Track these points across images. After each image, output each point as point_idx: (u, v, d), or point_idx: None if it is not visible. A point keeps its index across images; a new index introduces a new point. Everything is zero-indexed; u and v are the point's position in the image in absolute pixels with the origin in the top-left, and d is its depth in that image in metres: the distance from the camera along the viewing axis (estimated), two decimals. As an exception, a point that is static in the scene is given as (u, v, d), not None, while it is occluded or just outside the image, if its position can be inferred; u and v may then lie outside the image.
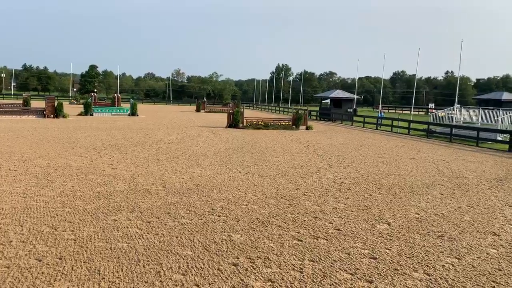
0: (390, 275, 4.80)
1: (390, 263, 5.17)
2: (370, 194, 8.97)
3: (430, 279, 4.76)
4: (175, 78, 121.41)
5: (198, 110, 50.20)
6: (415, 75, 51.46)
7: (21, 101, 42.24)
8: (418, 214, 7.52)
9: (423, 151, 17.48)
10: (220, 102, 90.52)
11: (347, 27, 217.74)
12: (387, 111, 66.54)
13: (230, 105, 49.28)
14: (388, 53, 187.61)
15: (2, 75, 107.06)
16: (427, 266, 5.13)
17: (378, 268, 4.98)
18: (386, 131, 28.95)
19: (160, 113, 41.86)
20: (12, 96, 79.05)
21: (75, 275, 4.47)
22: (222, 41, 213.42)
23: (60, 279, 4.36)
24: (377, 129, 30.15)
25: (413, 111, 48.70)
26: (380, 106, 52.51)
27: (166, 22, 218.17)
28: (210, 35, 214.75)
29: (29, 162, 11.20)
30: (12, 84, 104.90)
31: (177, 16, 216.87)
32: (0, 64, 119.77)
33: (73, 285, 4.24)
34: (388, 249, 5.64)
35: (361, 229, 6.50)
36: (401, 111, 70.80)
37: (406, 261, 5.26)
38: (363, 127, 31.50)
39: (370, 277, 4.73)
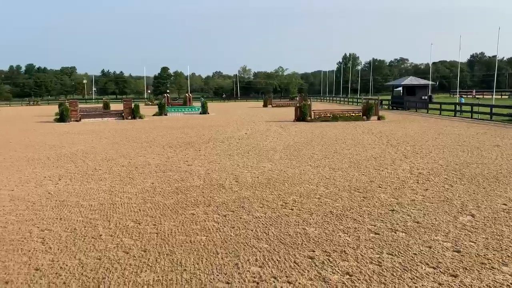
0: (476, 269, 4.53)
1: (476, 256, 4.87)
2: (451, 184, 8.50)
3: (523, 274, 4.41)
4: (242, 75, 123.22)
5: (265, 105, 50.57)
6: (495, 56, 47.80)
7: (101, 105, 45.31)
8: (506, 204, 7.00)
9: (508, 137, 16.21)
10: (286, 96, 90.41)
11: (418, 9, 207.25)
12: (466, 96, 62.46)
13: (297, 98, 49.10)
14: (464, 34, 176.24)
15: (84, 81, 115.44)
16: (519, 260, 4.76)
17: (463, 262, 4.72)
18: (465, 117, 27.24)
19: (229, 110, 42.79)
20: (93, 100, 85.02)
21: (159, 267, 4.73)
22: (286, 35, 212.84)
23: (146, 270, 4.64)
24: (455, 116, 28.45)
25: (495, 95, 45.25)
26: (474, 90, 49.25)
27: (232, 21, 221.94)
28: (274, 30, 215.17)
29: (112, 161, 11.99)
30: (93, 89, 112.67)
31: (242, 15, 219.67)
32: (81, 71, 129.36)
33: (158, 276, 4.49)
34: (473, 242, 5.31)
35: (442, 221, 6.19)
36: (481, 96, 66.23)
37: (494, 254, 4.93)
38: (440, 114, 29.87)
39: (454, 271, 4.50)
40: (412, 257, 4.89)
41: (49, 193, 8.27)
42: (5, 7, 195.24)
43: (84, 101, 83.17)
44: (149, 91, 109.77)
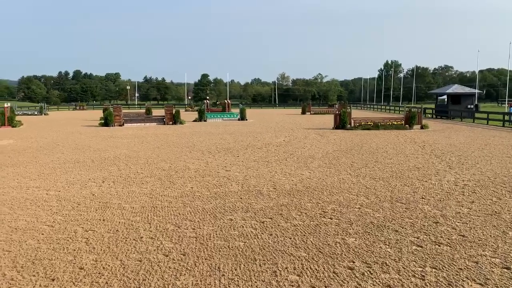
0: (528, 289, 4.28)
1: (528, 275, 4.61)
2: (499, 197, 8.11)
3: None
4: (280, 82, 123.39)
5: (303, 113, 50.30)
6: (548, 63, 45.45)
7: (143, 110, 46.56)
8: (561, 221, 6.59)
9: (562, 150, 15.31)
10: (325, 103, 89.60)
11: (462, 15, 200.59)
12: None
13: (336, 106, 48.54)
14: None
15: (127, 87, 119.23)
16: None
17: (513, 280, 4.47)
18: (514, 128, 26.01)
19: (267, 117, 42.85)
20: (136, 106, 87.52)
21: (198, 271, 4.76)
22: (326, 42, 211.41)
23: (185, 274, 4.68)
24: (503, 126, 27.22)
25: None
26: None
27: (271, 28, 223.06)
28: (313, 37, 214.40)
29: (153, 165, 12.26)
30: (136, 95, 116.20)
31: (282, 21, 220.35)
32: (125, 78, 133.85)
33: (197, 280, 4.52)
34: (525, 260, 5.03)
35: (490, 235, 5.90)
36: (531, 105, 62.99)
37: (548, 273, 4.64)
38: (487, 124, 28.68)
39: (504, 289, 4.27)
40: (457, 272, 4.68)
41: (93, 194, 8.55)
42: (55, 18, 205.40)
43: (127, 106, 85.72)
44: (189, 97, 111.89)
